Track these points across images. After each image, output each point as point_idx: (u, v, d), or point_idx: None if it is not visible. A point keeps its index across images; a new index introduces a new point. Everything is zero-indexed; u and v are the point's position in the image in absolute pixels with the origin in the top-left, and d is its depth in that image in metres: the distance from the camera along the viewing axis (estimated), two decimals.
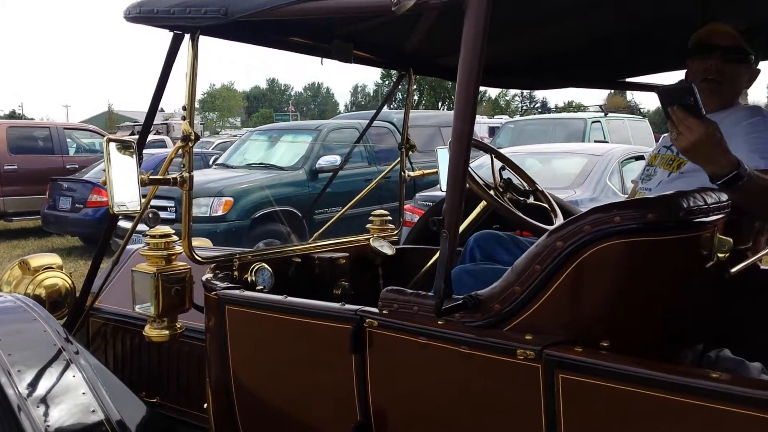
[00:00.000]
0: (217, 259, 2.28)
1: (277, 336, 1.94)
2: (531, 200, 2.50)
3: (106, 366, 2.88)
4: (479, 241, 2.55)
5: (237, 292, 2.01)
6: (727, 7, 2.18)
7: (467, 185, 1.95)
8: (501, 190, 2.42)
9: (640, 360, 1.26)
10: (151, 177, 2.04)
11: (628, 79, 3.06)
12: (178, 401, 2.62)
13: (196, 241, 3.62)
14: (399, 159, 3.07)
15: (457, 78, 1.37)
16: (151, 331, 2.21)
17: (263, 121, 52.08)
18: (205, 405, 2.28)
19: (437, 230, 1.44)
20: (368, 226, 3.09)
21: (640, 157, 6.55)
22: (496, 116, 33.17)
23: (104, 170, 1.88)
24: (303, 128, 10.49)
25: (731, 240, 1.48)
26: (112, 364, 2.86)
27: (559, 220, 2.42)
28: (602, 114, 12.66)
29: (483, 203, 2.42)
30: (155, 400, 2.65)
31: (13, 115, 57.80)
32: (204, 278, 2.17)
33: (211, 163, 10.90)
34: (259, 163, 8.88)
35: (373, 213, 3.11)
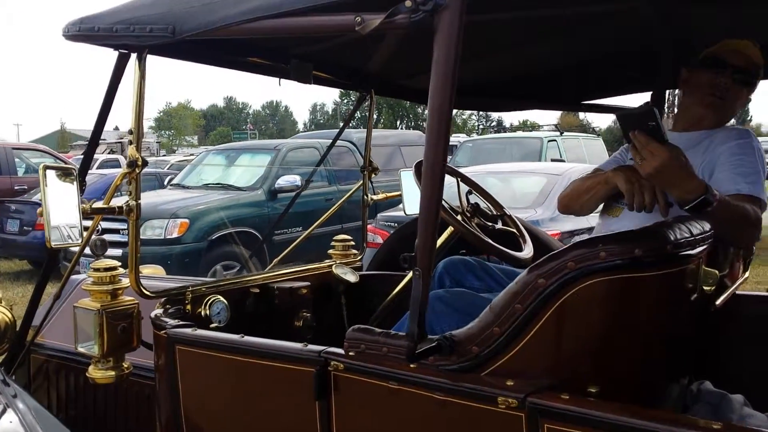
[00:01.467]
0: (167, 292, 2.12)
1: (232, 379, 1.79)
2: (499, 225, 2.41)
3: (49, 407, 2.69)
4: (448, 268, 2.45)
5: (188, 330, 1.86)
6: (697, 44, 2.15)
7: None
8: (468, 215, 2.33)
9: (630, 408, 1.16)
10: (93, 207, 1.89)
11: (591, 102, 3.03)
12: None
13: (148, 269, 3.45)
14: (361, 182, 2.96)
15: (427, 102, 1.27)
16: (95, 372, 2.04)
17: (221, 140, 51.53)
18: None
19: (408, 267, 1.32)
20: (330, 251, 2.96)
21: None
22: (453, 135, 33.48)
23: (40, 200, 1.72)
24: (261, 147, 10.31)
25: (717, 272, 1.41)
26: (55, 405, 2.65)
27: (528, 247, 2.34)
28: (558, 133, 12.80)
29: (450, 229, 2.32)
30: None
31: None
32: (153, 315, 2.01)
33: (166, 183, 10.62)
34: (217, 183, 8.67)
35: (335, 238, 2.98)
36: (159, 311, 2.06)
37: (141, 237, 6.92)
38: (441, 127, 1.26)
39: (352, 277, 2.72)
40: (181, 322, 1.91)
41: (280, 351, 1.66)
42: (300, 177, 8.24)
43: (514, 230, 2.43)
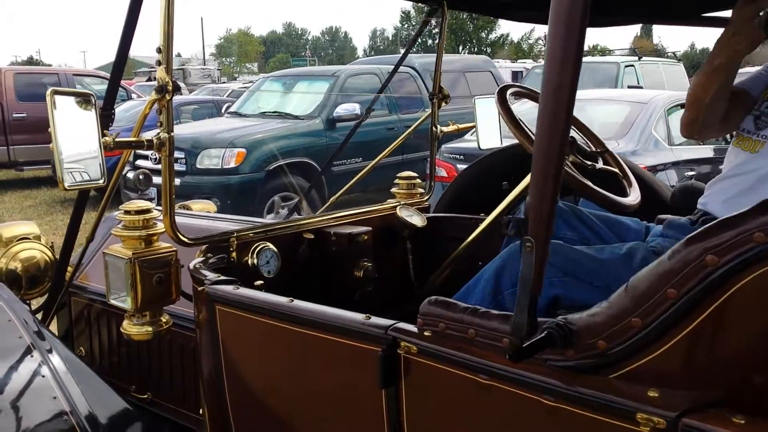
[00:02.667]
0: (208, 238, 1.85)
1: (279, 347, 1.52)
2: (600, 165, 2.01)
3: (91, 353, 2.51)
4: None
5: (230, 288, 1.58)
6: None
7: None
8: None
9: None
10: (117, 140, 1.60)
11: (712, 14, 2.51)
12: (172, 398, 2.23)
13: (198, 205, 3.21)
14: (429, 112, 2.59)
15: (550, 8, 0.89)
16: (130, 328, 1.80)
17: (280, 67, 51.05)
18: (201, 411, 1.89)
19: (514, 234, 0.97)
20: (393, 190, 2.63)
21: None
22: (519, 60, 31.97)
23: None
24: (319, 74, 9.92)
25: None
26: (98, 353, 2.47)
27: (635, 191, 1.94)
28: (635, 57, 11.89)
29: None
30: (146, 396, 2.27)
31: (30, 61, 57.29)
32: (192, 265, 1.74)
33: (223, 111, 10.40)
34: (274, 112, 8.37)
35: (399, 176, 2.64)
36: (199, 260, 1.79)
37: (198, 166, 6.73)
38: (570, 36, 0.88)
39: (418, 221, 2.39)
40: (222, 278, 1.63)
41: (336, 322, 1.36)
42: (359, 105, 7.85)
43: (617, 170, 2.03)
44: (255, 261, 1.91)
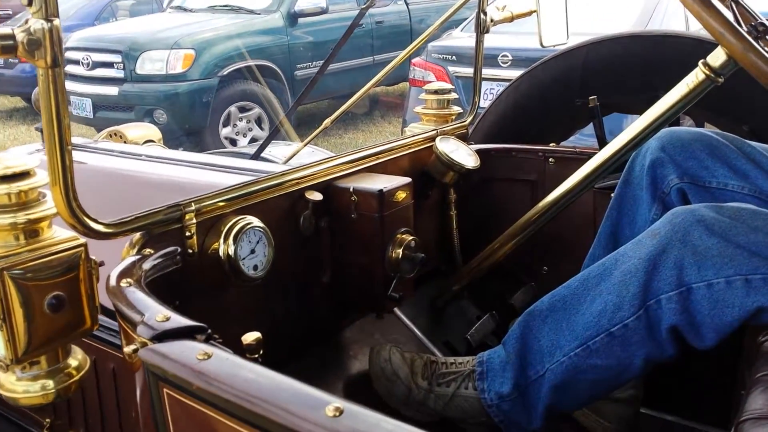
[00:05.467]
0: (144, 219, 1.03)
1: None
2: None
3: None
4: (670, 149, 1.32)
5: (191, 356, 0.75)
6: None
7: None
8: (759, 31, 1.14)
9: None
10: None
11: None
12: None
13: (135, 130, 2.32)
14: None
15: None
16: (11, 387, 1.00)
17: None
18: None
19: None
20: (417, 109, 1.81)
21: None
22: None
23: None
24: None
25: None
26: None
27: None
28: None
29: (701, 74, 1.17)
30: None
31: None
32: (113, 280, 0.94)
33: (165, 6, 9.08)
34: (225, 6, 7.17)
35: (426, 88, 1.82)
36: (129, 263, 0.98)
37: (138, 72, 5.59)
38: None
39: (469, 160, 1.60)
40: (176, 323, 0.80)
41: None
42: None
43: None
44: (232, 251, 1.10)
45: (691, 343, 1.05)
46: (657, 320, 1.06)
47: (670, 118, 1.25)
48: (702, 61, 1.16)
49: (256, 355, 0.82)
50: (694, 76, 1.19)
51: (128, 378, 0.96)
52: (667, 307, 1.05)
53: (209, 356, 0.72)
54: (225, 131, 6.14)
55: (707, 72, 1.16)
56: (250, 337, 0.82)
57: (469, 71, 4.50)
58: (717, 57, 1.15)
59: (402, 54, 2.00)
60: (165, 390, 0.75)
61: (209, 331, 0.79)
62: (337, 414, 0.61)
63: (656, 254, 1.06)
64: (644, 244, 1.08)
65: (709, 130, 1.37)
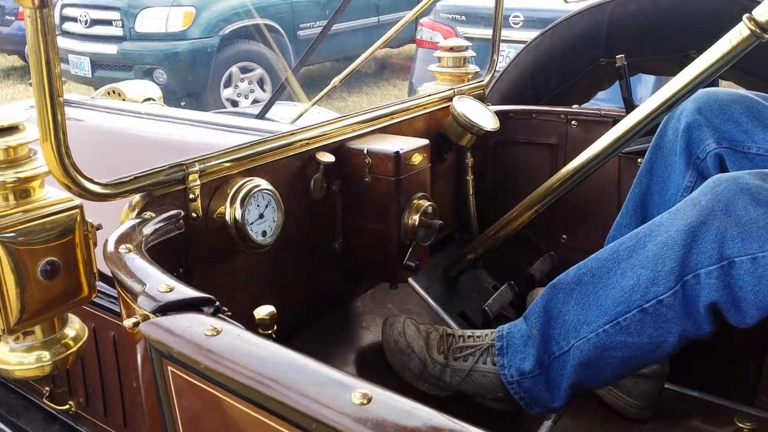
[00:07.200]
0: (144, 179, 0.95)
1: None
2: None
3: None
4: (707, 111, 1.24)
5: (199, 331, 0.68)
6: None
7: None
8: None
9: None
10: None
11: None
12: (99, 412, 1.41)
13: (136, 88, 2.22)
14: None
15: None
16: (4, 358, 0.93)
17: None
18: None
19: None
20: (432, 68, 1.72)
21: None
22: None
23: None
24: None
25: None
26: None
27: None
28: None
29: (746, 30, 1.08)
30: (68, 407, 1.45)
31: None
32: (111, 245, 0.86)
33: None
34: None
35: (440, 45, 1.72)
36: (128, 227, 0.91)
37: (137, 30, 5.42)
38: None
39: (489, 122, 1.51)
40: (180, 295, 0.72)
41: None
42: None
43: None
44: (240, 215, 1.02)
45: (730, 320, 0.98)
46: (695, 296, 0.99)
47: (709, 78, 1.16)
48: (747, 15, 1.07)
49: (270, 331, 0.74)
50: (738, 33, 1.10)
51: (130, 346, 0.90)
52: (707, 282, 0.97)
53: (218, 332, 0.65)
54: (226, 92, 6.01)
55: (753, 27, 1.06)
56: (264, 311, 0.75)
57: (479, 32, 4.38)
58: (765, 11, 1.05)
59: (414, 11, 1.90)
60: (169, 368, 0.68)
61: (217, 303, 0.72)
62: (365, 402, 0.54)
63: (696, 225, 0.98)
64: (683, 214, 1.00)
65: (749, 92, 1.28)
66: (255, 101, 6.05)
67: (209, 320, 0.68)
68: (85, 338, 0.98)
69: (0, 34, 8.73)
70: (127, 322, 0.71)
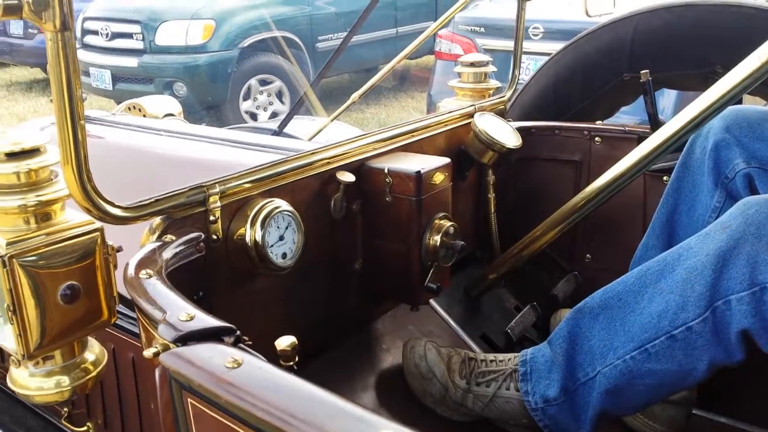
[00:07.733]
0: (165, 202, 0.94)
1: None
2: None
3: None
4: (735, 131, 1.21)
5: (219, 362, 0.66)
6: None
7: None
8: None
9: None
10: None
11: None
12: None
13: (155, 103, 2.23)
14: None
15: None
16: (22, 383, 0.93)
17: None
18: None
19: None
20: (452, 83, 1.71)
21: None
22: None
23: None
24: None
25: None
26: None
27: None
28: None
29: None
30: (86, 429, 1.44)
31: None
32: (131, 270, 0.85)
33: None
34: None
35: (461, 60, 1.71)
36: (148, 250, 0.90)
37: (157, 43, 5.47)
38: None
39: (512, 139, 1.49)
40: (199, 324, 0.71)
41: None
42: None
43: None
44: (260, 237, 1.01)
45: (763, 348, 0.95)
46: (725, 323, 0.96)
47: (737, 96, 1.13)
48: None
49: (292, 363, 0.73)
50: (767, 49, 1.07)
51: (149, 369, 0.89)
52: (738, 308, 0.94)
53: (239, 364, 0.64)
54: (245, 105, 6.05)
55: None
56: (285, 342, 0.74)
57: (499, 44, 4.35)
58: None
59: (436, 24, 1.89)
60: (189, 400, 0.67)
61: (238, 332, 0.70)
62: None
63: (726, 250, 0.95)
64: (712, 238, 0.98)
65: None
66: (274, 114, 6.07)
67: (230, 351, 0.67)
68: (104, 362, 0.97)
69: (22, 47, 8.86)
70: (147, 352, 0.70)
